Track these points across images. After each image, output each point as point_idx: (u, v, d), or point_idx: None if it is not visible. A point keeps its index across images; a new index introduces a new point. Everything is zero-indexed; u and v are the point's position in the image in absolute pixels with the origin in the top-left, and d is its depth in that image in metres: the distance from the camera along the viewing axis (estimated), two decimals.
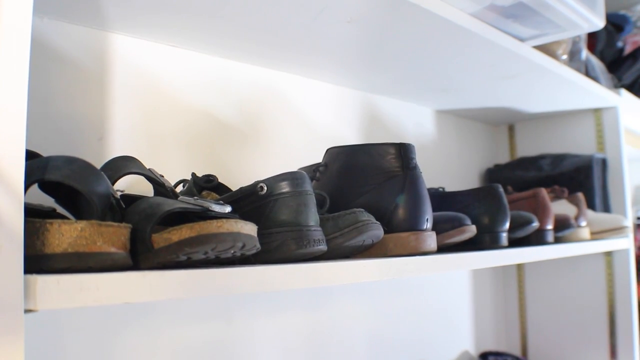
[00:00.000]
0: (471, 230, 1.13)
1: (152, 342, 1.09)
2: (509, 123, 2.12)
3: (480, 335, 1.94)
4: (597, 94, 1.76)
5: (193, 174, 0.97)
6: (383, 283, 1.57)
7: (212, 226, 0.66)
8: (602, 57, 2.19)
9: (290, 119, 1.37)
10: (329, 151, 1.10)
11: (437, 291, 1.77)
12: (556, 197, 1.66)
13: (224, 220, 0.67)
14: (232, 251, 0.70)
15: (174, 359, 1.11)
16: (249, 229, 0.70)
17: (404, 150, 1.04)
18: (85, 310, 1.01)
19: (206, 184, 0.97)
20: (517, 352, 2.03)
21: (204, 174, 0.99)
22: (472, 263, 1.11)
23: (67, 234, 0.61)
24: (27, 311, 0.56)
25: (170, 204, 0.71)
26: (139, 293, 0.61)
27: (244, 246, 0.70)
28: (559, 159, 1.90)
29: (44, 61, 0.99)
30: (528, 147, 2.07)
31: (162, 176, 0.85)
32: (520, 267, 2.05)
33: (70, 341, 0.99)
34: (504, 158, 2.12)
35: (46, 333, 0.96)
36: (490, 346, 1.97)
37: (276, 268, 0.75)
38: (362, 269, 0.87)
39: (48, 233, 0.61)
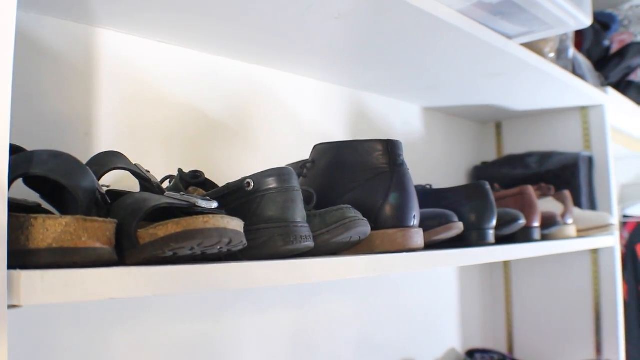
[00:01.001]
0: (458, 227, 1.13)
1: (140, 339, 1.08)
2: (496, 121, 2.12)
3: (466, 333, 1.94)
4: (583, 92, 1.76)
5: (179, 170, 0.97)
6: (369, 281, 1.57)
7: (199, 222, 0.66)
8: (589, 56, 2.20)
9: (277, 115, 1.37)
10: (316, 147, 1.09)
11: (423, 289, 1.77)
12: (543, 194, 1.66)
13: (211, 216, 0.67)
14: (219, 247, 0.70)
15: (161, 356, 1.11)
16: (236, 224, 0.70)
17: (391, 147, 1.03)
18: (72, 308, 1.00)
19: (193, 180, 0.96)
20: (503, 349, 2.03)
21: (191, 170, 0.98)
22: (459, 260, 1.11)
23: (52, 229, 0.60)
24: (10, 307, 0.56)
25: (156, 200, 0.71)
26: (124, 288, 0.61)
27: (230, 242, 0.70)
28: (545, 156, 1.91)
29: (29, 56, 0.98)
30: (515, 145, 2.07)
31: (149, 172, 0.85)
32: (506, 265, 2.06)
33: (57, 339, 0.98)
34: (491, 156, 2.12)
35: (31, 330, 0.95)
36: (477, 344, 1.98)
37: (263, 264, 0.75)
38: (349, 265, 0.87)
39: (32, 228, 0.60)
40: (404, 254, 0.97)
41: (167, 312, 1.13)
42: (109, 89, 1.07)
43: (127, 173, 0.82)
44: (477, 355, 1.82)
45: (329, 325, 1.45)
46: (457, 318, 1.91)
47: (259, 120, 1.32)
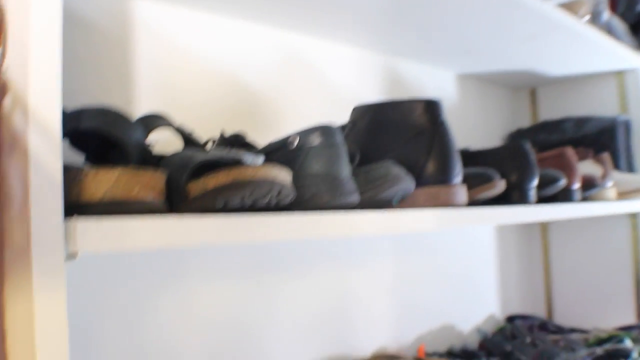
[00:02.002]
0: (500, 185, 1.13)
1: (183, 301, 1.09)
2: (531, 87, 2.10)
3: (505, 299, 1.93)
4: (619, 55, 1.74)
5: (221, 132, 0.97)
6: (406, 244, 1.57)
7: (249, 172, 0.66)
8: (623, 20, 2.17)
9: (313, 83, 1.36)
10: (356, 109, 1.09)
11: (461, 254, 1.76)
12: (581, 157, 1.64)
13: (261, 166, 0.67)
14: (268, 198, 0.70)
15: (202, 317, 1.12)
16: (285, 175, 0.70)
17: (431, 106, 1.03)
18: (120, 268, 1.01)
19: (234, 142, 0.96)
20: (542, 314, 2.02)
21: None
22: (502, 217, 1.10)
23: (104, 181, 0.61)
24: (68, 257, 0.56)
25: (204, 154, 0.71)
26: (177, 237, 0.61)
27: (280, 193, 0.70)
28: (582, 121, 1.88)
29: (68, 27, 0.99)
30: (550, 112, 2.05)
31: (192, 133, 0.85)
32: (544, 230, 2.04)
33: (105, 298, 0.99)
34: (525, 123, 2.10)
35: (81, 290, 0.96)
36: (516, 309, 1.97)
37: (314, 216, 0.75)
38: (399, 219, 0.87)
39: (85, 181, 0.61)
40: (449, 209, 0.97)
41: (208, 275, 1.13)
42: (146, 58, 1.08)
43: (170, 138, 0.83)
44: (517, 321, 1.81)
45: (366, 289, 1.45)
46: (495, 283, 1.90)
47: (295, 88, 1.32)
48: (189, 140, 0.84)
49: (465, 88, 1.87)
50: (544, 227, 2.04)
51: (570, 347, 1.48)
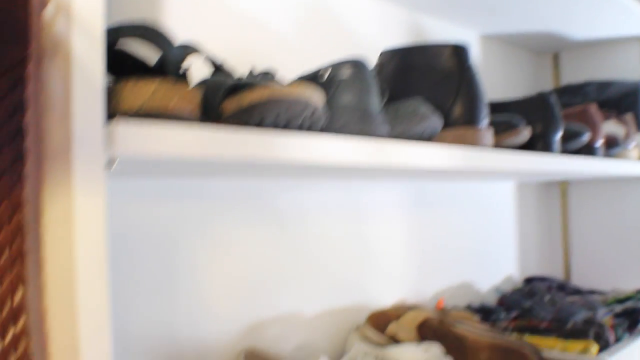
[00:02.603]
0: (525, 133, 1.13)
1: (215, 246, 1.11)
2: (554, 51, 2.09)
3: (524, 261, 1.94)
4: None
5: (251, 69, 0.97)
6: (426, 200, 1.57)
7: (285, 90, 0.67)
8: None
9: (335, 34, 1.37)
10: (383, 54, 1.10)
11: (481, 212, 1.77)
12: (604, 118, 1.64)
13: (296, 86, 0.68)
14: (302, 119, 0.71)
15: (232, 262, 1.13)
16: (319, 97, 0.71)
17: (460, 50, 1.03)
18: (152, 205, 1.02)
19: (264, 78, 0.97)
20: (560, 277, 2.02)
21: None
22: (526, 163, 1.10)
23: (143, 92, 0.62)
24: (107, 165, 0.57)
25: (237, 79, 0.72)
26: (212, 148, 0.62)
27: (313, 114, 0.70)
28: (604, 85, 1.88)
29: None
30: (572, 77, 2.05)
31: (223, 64, 0.86)
32: (564, 191, 2.04)
33: (135, 232, 1.01)
34: (547, 88, 2.10)
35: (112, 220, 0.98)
36: (534, 271, 1.98)
37: (346, 140, 0.76)
38: (428, 152, 0.87)
39: (123, 92, 0.62)
40: (476, 149, 0.97)
41: (237, 223, 1.14)
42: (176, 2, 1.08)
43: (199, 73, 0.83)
44: (535, 283, 1.81)
45: (387, 242, 1.46)
46: (514, 244, 1.90)
47: (318, 38, 1.32)
48: (220, 70, 0.84)
49: (489, 50, 1.86)
50: (563, 189, 2.04)
51: (589, 306, 1.48)
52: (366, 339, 1.25)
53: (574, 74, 2.05)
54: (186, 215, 1.08)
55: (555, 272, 2.04)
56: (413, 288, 1.52)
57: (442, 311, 1.30)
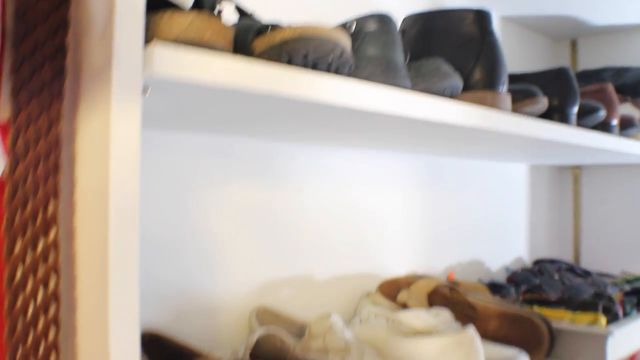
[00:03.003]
0: (543, 103, 1.14)
1: (228, 194, 1.12)
2: (572, 37, 2.10)
3: (534, 243, 1.95)
4: None
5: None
6: (441, 173, 1.59)
7: (314, 29, 0.68)
8: None
9: (358, 5, 1.38)
10: (406, 19, 1.11)
11: (494, 192, 1.78)
12: (620, 101, 1.65)
13: (325, 27, 0.69)
14: (330, 59, 0.72)
15: (245, 213, 1.15)
16: (347, 40, 0.72)
17: (482, 16, 1.05)
18: (172, 160, 1.04)
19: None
20: (569, 260, 2.03)
21: None
22: (543, 130, 1.10)
23: (179, 23, 0.63)
24: (144, 90, 0.59)
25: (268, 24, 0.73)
26: (244, 79, 0.64)
27: (341, 56, 0.72)
28: (621, 71, 1.89)
29: None
30: (590, 64, 2.05)
31: (253, 13, 0.87)
32: (576, 176, 2.05)
33: (154, 180, 1.03)
34: None
35: None
36: (544, 254, 1.99)
37: (373, 87, 0.77)
38: (448, 108, 0.89)
39: (160, 23, 0.63)
40: (497, 111, 0.98)
41: (252, 175, 1.16)
42: None
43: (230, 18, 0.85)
44: (545, 264, 1.82)
45: (400, 214, 1.47)
46: (525, 226, 1.92)
47: (340, 6, 1.34)
48: (248, 15, 0.86)
49: (507, 33, 1.88)
50: (576, 174, 2.05)
51: (598, 285, 1.50)
52: (377, 305, 1.27)
53: (592, 60, 2.05)
54: (201, 173, 1.10)
55: (564, 255, 2.05)
56: (424, 261, 1.54)
57: (453, 282, 1.32)
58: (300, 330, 1.10)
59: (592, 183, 2.02)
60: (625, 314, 1.33)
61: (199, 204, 1.09)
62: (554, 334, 1.19)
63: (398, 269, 1.46)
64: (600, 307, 1.27)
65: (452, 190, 1.62)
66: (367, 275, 1.38)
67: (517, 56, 1.92)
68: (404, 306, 1.28)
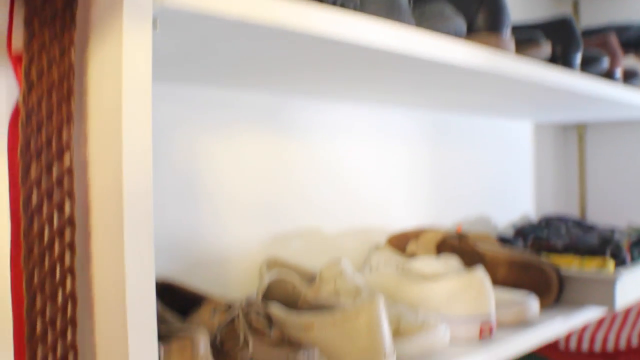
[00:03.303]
0: (546, 49, 1.15)
1: (235, 149, 1.13)
2: None
3: (540, 200, 1.96)
4: None
5: None
6: (447, 130, 1.60)
7: None
8: None
9: None
10: None
11: (499, 148, 1.79)
12: (624, 53, 1.65)
13: None
14: None
15: (251, 167, 1.16)
16: None
17: None
18: (181, 107, 1.05)
19: None
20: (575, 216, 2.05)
21: None
22: (546, 76, 1.11)
23: None
24: (154, 24, 0.60)
25: None
26: (253, 9, 0.64)
27: None
28: (623, 29, 1.88)
29: None
30: (591, 22, 2.05)
31: None
32: (581, 134, 2.05)
33: (164, 138, 1.04)
34: None
35: None
36: (550, 211, 2.00)
37: (376, 22, 0.78)
38: (451, 47, 0.89)
39: None
40: (499, 52, 0.99)
41: (259, 129, 1.17)
42: None
43: None
44: (552, 219, 1.83)
45: (405, 168, 1.48)
46: (530, 183, 1.93)
47: None
48: None
49: None
50: (581, 133, 2.06)
51: (605, 234, 1.51)
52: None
53: (594, 19, 2.05)
54: (211, 126, 1.11)
55: (571, 212, 2.06)
56: (431, 217, 1.55)
57: (461, 233, 1.33)
58: (310, 280, 1.11)
59: (597, 141, 2.03)
60: (633, 260, 1.34)
61: (209, 157, 1.10)
62: (562, 280, 1.20)
63: (406, 225, 1.47)
64: (608, 253, 1.28)
65: (457, 148, 1.63)
66: (375, 229, 1.39)
67: (516, 16, 1.91)
68: (413, 257, 1.29)
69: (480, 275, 1.02)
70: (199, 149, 1.09)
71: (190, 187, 1.08)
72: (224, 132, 1.12)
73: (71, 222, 0.59)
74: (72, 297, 0.59)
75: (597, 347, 1.68)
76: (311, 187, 1.27)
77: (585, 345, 1.69)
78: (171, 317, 0.84)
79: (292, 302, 0.98)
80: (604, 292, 1.21)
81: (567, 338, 1.71)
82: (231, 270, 1.13)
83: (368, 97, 1.28)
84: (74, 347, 0.60)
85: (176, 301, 0.95)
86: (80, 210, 0.61)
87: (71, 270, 0.60)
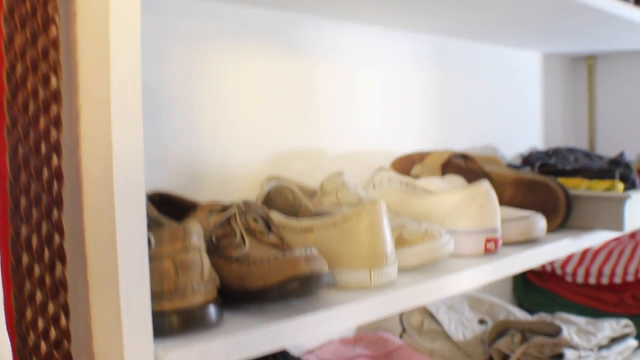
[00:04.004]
0: None
1: (236, 64, 1.10)
2: None
3: (548, 132, 1.93)
4: None
5: None
6: (452, 56, 1.56)
7: None
8: None
9: None
10: None
11: (507, 78, 1.75)
12: None
13: None
14: None
15: (253, 83, 1.13)
16: None
17: None
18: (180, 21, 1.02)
19: None
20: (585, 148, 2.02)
21: None
22: None
23: None
24: None
25: None
26: None
27: None
28: None
29: None
30: None
31: None
32: (590, 66, 2.01)
33: (165, 52, 1.01)
34: None
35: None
36: (558, 143, 1.97)
37: None
38: None
39: None
40: None
41: (264, 49, 1.14)
42: None
43: None
44: (560, 149, 1.80)
45: (411, 98, 1.45)
46: (539, 115, 1.89)
47: None
48: None
49: None
50: (590, 65, 2.02)
51: (614, 158, 1.47)
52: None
53: None
54: (214, 40, 1.07)
55: (579, 144, 2.03)
56: (437, 144, 1.52)
57: (467, 154, 1.30)
58: (312, 196, 1.09)
59: (607, 73, 1.98)
60: None
61: (212, 72, 1.07)
62: (570, 199, 1.17)
63: (411, 147, 1.44)
64: (617, 174, 1.25)
65: (464, 74, 1.59)
66: (379, 152, 1.37)
67: None
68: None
69: (486, 187, 0.99)
70: (201, 64, 1.06)
71: (191, 102, 1.05)
72: (227, 47, 1.09)
73: (56, 99, 0.57)
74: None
75: (605, 280, 1.66)
76: (315, 107, 1.24)
77: (592, 279, 1.67)
78: (167, 221, 0.82)
79: (293, 213, 0.96)
80: (613, 213, 1.18)
81: (575, 272, 1.69)
82: (232, 188, 1.11)
83: (376, 18, 1.25)
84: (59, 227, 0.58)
85: (174, 211, 0.93)
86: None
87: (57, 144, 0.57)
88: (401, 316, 1.42)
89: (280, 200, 0.96)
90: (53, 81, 0.56)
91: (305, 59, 1.21)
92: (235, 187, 1.11)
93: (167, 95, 1.02)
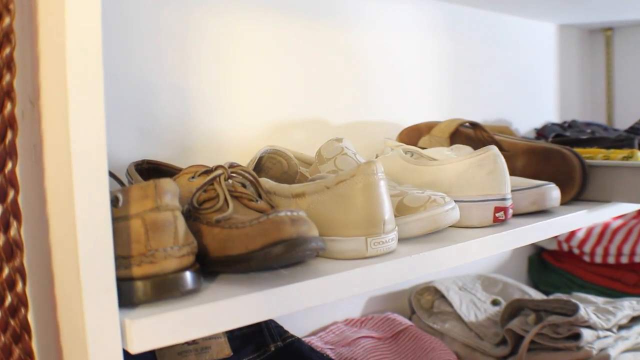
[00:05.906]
0: None
1: (232, 29, 1.05)
2: None
3: (564, 107, 1.86)
4: None
5: None
6: (464, 26, 1.49)
7: None
8: None
9: None
10: None
11: (522, 51, 1.69)
12: None
13: None
14: None
15: (250, 49, 1.08)
16: None
17: None
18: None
19: None
20: (602, 122, 1.95)
21: None
22: None
23: None
24: None
25: None
26: None
27: None
28: None
29: None
30: None
31: None
32: (608, 38, 1.94)
33: (154, 16, 0.95)
34: None
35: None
36: (575, 118, 1.89)
37: None
38: None
39: None
40: None
41: (264, 16, 1.09)
42: None
43: None
44: (576, 121, 1.73)
45: (420, 69, 1.39)
46: (555, 89, 1.82)
47: None
48: None
49: None
50: (608, 37, 1.94)
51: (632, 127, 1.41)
52: None
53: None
54: (209, 4, 1.02)
55: (596, 118, 1.96)
56: (448, 117, 1.45)
57: (477, 123, 1.23)
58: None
59: (625, 45, 1.91)
60: None
61: (207, 38, 1.02)
62: (586, 168, 1.10)
63: (420, 118, 1.38)
64: (636, 143, 1.18)
65: (475, 45, 1.53)
66: (386, 123, 1.31)
67: None
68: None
69: (494, 152, 0.93)
70: (197, 30, 1.00)
71: (186, 71, 1.00)
72: (222, 12, 1.04)
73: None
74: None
75: (624, 259, 1.59)
76: (317, 76, 1.18)
77: (611, 259, 1.60)
78: None
79: (289, 179, 0.90)
80: (633, 183, 1.11)
81: (593, 251, 1.62)
82: (226, 160, 1.05)
83: None
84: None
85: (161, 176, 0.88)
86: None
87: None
88: (410, 297, 1.36)
89: (275, 168, 0.90)
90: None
91: (309, 23, 1.16)
92: (230, 158, 1.05)
93: (158, 65, 0.97)
